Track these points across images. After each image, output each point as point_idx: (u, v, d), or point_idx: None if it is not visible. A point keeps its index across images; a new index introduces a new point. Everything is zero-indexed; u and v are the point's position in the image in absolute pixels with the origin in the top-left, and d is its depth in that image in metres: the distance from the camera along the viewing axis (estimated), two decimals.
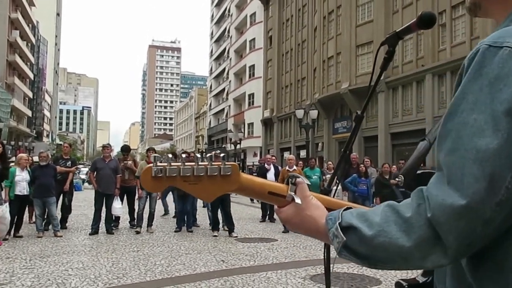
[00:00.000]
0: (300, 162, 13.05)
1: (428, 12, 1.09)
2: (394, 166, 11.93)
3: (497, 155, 0.69)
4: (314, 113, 21.65)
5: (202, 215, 11.31)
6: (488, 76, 0.73)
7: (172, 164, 0.94)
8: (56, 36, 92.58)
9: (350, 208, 0.88)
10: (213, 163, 0.95)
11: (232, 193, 1.04)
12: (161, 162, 0.96)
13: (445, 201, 0.71)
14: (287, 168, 9.88)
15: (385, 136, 25.79)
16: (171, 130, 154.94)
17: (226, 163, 0.96)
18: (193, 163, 0.95)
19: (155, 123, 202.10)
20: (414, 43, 24.25)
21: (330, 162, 13.27)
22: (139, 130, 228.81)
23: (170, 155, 1.04)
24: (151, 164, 0.94)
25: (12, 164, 9.27)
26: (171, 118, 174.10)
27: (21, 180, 8.86)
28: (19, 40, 57.30)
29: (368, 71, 27.28)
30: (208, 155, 0.97)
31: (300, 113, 22.55)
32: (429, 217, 0.73)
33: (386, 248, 0.76)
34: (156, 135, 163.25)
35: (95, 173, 9.54)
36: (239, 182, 0.96)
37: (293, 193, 0.94)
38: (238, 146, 37.84)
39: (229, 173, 0.95)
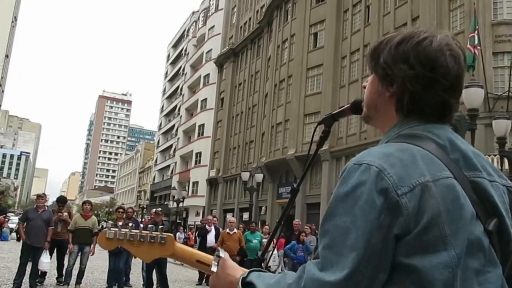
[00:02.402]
0: (241, 225, 12.95)
1: (359, 99, 1.20)
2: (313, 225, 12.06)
3: (355, 247, 0.87)
4: (259, 177, 21.87)
5: (136, 274, 10.81)
6: (351, 187, 0.92)
7: (122, 229, 1.18)
8: (1, 78, 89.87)
9: (262, 270, 1.05)
10: (152, 232, 1.18)
11: (169, 257, 1.25)
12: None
13: (315, 276, 0.89)
14: (227, 230, 9.78)
15: (327, 203, 26.05)
16: (113, 183, 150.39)
17: (163, 233, 1.19)
18: (137, 231, 1.18)
19: (96, 174, 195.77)
20: (358, 117, 25.34)
21: (266, 227, 13.28)
22: (79, 181, 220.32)
23: (111, 222, 1.26)
24: (106, 229, 1.19)
25: None
26: (114, 171, 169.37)
27: None
28: None
29: (315, 139, 28.13)
30: (149, 226, 1.23)
31: (245, 175, 22.71)
32: (302, 286, 0.89)
33: None
34: (97, 187, 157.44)
35: (25, 223, 9.01)
36: (173, 249, 1.19)
37: (215, 262, 1.12)
38: (181, 204, 37.14)
39: (164, 242, 1.18)
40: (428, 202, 0.90)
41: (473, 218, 0.93)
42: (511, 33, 17.72)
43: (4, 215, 10.46)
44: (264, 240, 11.02)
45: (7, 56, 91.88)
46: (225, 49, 47.08)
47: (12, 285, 8.52)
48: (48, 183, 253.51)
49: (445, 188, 0.92)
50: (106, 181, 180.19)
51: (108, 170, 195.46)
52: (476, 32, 16.28)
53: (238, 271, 1.07)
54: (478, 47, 16.51)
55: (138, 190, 78.78)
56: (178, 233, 21.75)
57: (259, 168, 28.97)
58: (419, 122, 1.03)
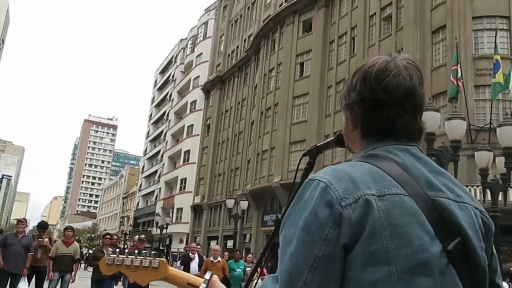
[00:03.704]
0: (226, 253, 12.80)
1: (342, 133, 1.24)
2: None
3: (294, 257, 0.92)
4: (244, 204, 21.77)
5: None
6: (302, 201, 0.98)
7: (119, 256, 1.29)
8: None
9: None
10: (147, 258, 1.27)
11: (163, 280, 1.33)
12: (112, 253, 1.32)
13: None
14: (211, 259, 9.66)
15: None
16: (95, 208, 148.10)
17: (156, 258, 1.29)
18: (133, 257, 1.28)
19: (79, 199, 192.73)
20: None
21: (250, 255, 13.12)
22: (61, 205, 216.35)
23: (110, 249, 1.43)
24: (106, 255, 1.30)
25: None
26: (97, 196, 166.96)
27: None
28: None
29: (300, 167, 28.24)
30: (143, 251, 1.42)
31: (230, 202, 22.58)
32: None
33: None
34: (79, 211, 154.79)
35: (3, 249, 8.79)
36: (165, 273, 1.29)
37: (204, 285, 1.20)
38: (164, 231, 36.68)
39: (157, 266, 1.27)
40: (371, 215, 0.92)
41: (426, 236, 0.93)
42: (491, 67, 18.23)
43: None
44: (248, 269, 10.90)
45: None
46: (212, 76, 47.50)
47: None
48: (29, 207, 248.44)
49: (391, 204, 0.94)
50: (89, 206, 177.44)
51: (91, 195, 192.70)
52: (458, 65, 16.72)
53: None
54: (461, 80, 16.93)
55: (121, 216, 77.64)
56: None
57: (244, 195, 28.87)
58: (381, 144, 1.07)
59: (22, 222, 9.32)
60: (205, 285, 1.19)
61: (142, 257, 1.27)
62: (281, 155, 29.68)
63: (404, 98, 1.05)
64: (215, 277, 1.21)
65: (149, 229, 54.69)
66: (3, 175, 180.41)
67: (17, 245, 8.74)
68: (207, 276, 1.21)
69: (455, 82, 16.15)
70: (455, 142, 9.22)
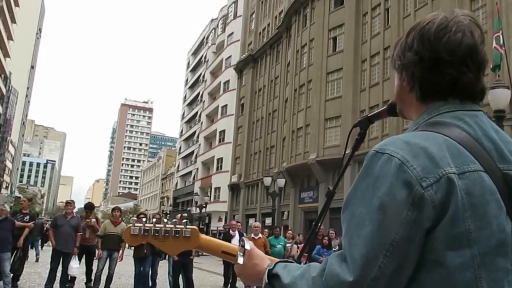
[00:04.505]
0: (266, 230, 13.01)
1: (395, 102, 1.19)
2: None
3: (370, 240, 0.86)
4: (281, 182, 21.89)
5: (162, 279, 10.96)
6: (372, 177, 0.91)
7: (146, 225, 1.20)
8: (27, 88, 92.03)
9: (288, 261, 1.06)
10: (177, 226, 1.20)
11: (195, 249, 1.22)
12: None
13: (335, 271, 0.89)
14: (252, 235, 9.84)
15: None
16: (136, 189, 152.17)
17: (187, 226, 1.21)
18: (161, 225, 1.20)
19: (120, 181, 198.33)
20: (380, 120, 25.28)
21: (290, 232, 13.26)
22: (103, 188, 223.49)
23: (154, 219, 1.27)
24: (130, 225, 1.20)
25: None
26: (137, 177, 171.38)
27: None
28: None
29: (335, 143, 28.09)
30: (173, 220, 1.24)
31: (267, 180, 22.75)
32: (323, 280, 0.89)
33: None
34: (120, 193, 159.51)
35: (55, 230, 9.25)
36: (198, 241, 1.21)
37: (241, 253, 1.12)
38: (203, 210, 37.39)
39: (189, 235, 1.20)
40: (454, 195, 0.87)
41: (503, 214, 0.89)
42: None
43: (34, 222, 10.73)
44: (288, 245, 11.07)
45: (32, 67, 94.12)
46: (244, 55, 47.36)
47: None
48: (73, 190, 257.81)
49: (471, 182, 0.89)
50: (129, 188, 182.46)
51: (131, 177, 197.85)
52: (500, 32, 16.03)
53: (265, 261, 1.08)
54: (503, 48, 16.25)
55: (161, 196, 79.57)
56: None
57: (281, 173, 28.99)
58: (447, 108, 1.01)
59: (70, 203, 9.74)
60: (241, 253, 1.13)
61: (172, 226, 1.19)
62: (316, 132, 29.50)
63: (467, 56, 1.00)
64: (253, 245, 1.15)
65: (188, 209, 55.86)
66: (47, 160, 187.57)
67: (67, 225, 9.17)
68: (246, 245, 1.14)
69: (499, 49, 15.51)
70: (498, 112, 8.93)
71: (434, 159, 0.89)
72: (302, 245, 12.94)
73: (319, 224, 1.45)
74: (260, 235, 9.92)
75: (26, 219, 9.80)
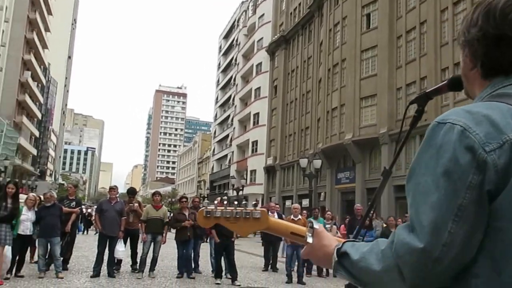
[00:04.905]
0: (304, 212, 13.05)
1: (458, 75, 1.19)
2: (400, 219, 11.89)
3: (438, 207, 0.88)
4: (317, 163, 21.79)
5: (204, 261, 11.22)
6: (435, 146, 0.92)
7: (217, 207, 1.26)
8: (66, 78, 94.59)
9: (356, 241, 1.08)
10: (247, 208, 1.25)
11: (264, 230, 1.27)
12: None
13: (405, 240, 0.90)
14: (291, 217, 9.90)
15: (388, 188, 25.75)
16: (173, 174, 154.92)
17: (257, 209, 1.27)
18: (232, 208, 1.26)
19: (157, 166, 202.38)
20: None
21: (329, 212, 13.22)
22: (142, 173, 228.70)
23: (225, 202, 1.33)
24: (203, 208, 1.28)
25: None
26: (173, 162, 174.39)
27: (26, 219, 8.88)
28: (30, 81, 58.54)
29: (371, 123, 27.68)
30: (243, 202, 1.34)
31: (304, 162, 22.71)
32: (393, 251, 0.92)
33: (366, 271, 0.97)
34: (158, 178, 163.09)
35: (100, 214, 9.59)
36: (267, 223, 1.25)
37: (310, 234, 1.16)
38: (240, 193, 37.78)
39: (258, 216, 1.24)
40: None
41: None
42: None
43: (80, 207, 11.15)
44: (328, 226, 11.08)
45: (69, 57, 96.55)
46: (276, 36, 46.97)
47: (92, 273, 9.13)
48: (113, 176, 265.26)
49: None
50: (167, 173, 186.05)
51: (168, 162, 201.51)
52: None
53: (334, 242, 1.11)
54: None
55: (198, 180, 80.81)
56: None
57: (317, 154, 28.87)
58: (510, 82, 1.00)
59: (113, 189, 10.05)
60: (310, 235, 1.16)
61: (242, 208, 1.24)
62: (352, 111, 29.11)
63: None
64: (322, 227, 1.18)
65: (225, 192, 56.55)
66: (87, 148, 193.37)
67: (111, 210, 9.49)
68: (315, 225, 1.17)
69: None
70: None
71: (497, 125, 0.90)
72: (340, 226, 12.89)
73: (375, 205, 1.45)
74: (299, 216, 9.97)
75: (73, 205, 10.19)
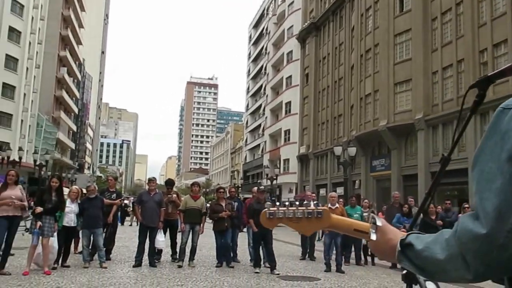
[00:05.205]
0: (341, 200, 12.93)
1: None
2: (440, 207, 11.63)
3: (502, 192, 0.86)
4: (352, 151, 21.53)
5: (241, 250, 11.32)
6: (500, 132, 0.91)
7: (280, 208, 1.27)
8: (100, 73, 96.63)
9: (420, 233, 1.08)
10: (308, 208, 1.25)
11: (327, 228, 1.26)
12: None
13: (468, 227, 0.90)
14: (329, 205, 9.84)
15: (425, 175, 25.27)
16: (206, 164, 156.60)
17: (319, 208, 1.27)
18: (294, 208, 1.26)
19: (191, 157, 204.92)
20: (454, 81, 24.04)
21: (366, 200, 13.06)
22: (176, 164, 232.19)
23: (287, 202, 1.35)
24: (266, 209, 1.29)
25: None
26: (207, 153, 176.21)
27: (70, 211, 9.16)
28: (66, 77, 60.15)
29: (407, 108, 27.11)
30: (305, 202, 1.33)
31: (338, 150, 22.50)
32: (457, 239, 0.92)
33: (429, 260, 0.97)
34: (192, 169, 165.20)
35: (140, 206, 9.79)
36: (330, 221, 1.25)
37: (373, 230, 1.17)
38: (274, 182, 37.82)
39: (320, 216, 1.25)
40: None
41: None
42: None
43: (120, 199, 11.41)
44: (365, 214, 10.97)
45: (103, 52, 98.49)
46: (306, 23, 46.46)
47: (134, 262, 9.36)
48: (148, 167, 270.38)
49: None
50: (200, 163, 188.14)
51: (201, 153, 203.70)
52: None
53: (399, 235, 1.12)
54: None
55: (231, 170, 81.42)
56: None
57: (351, 142, 28.55)
58: None
59: (152, 181, 10.23)
60: (374, 230, 1.17)
61: (304, 208, 1.25)
62: (386, 97, 28.57)
63: None
64: (385, 222, 1.19)
65: (258, 181, 56.74)
66: (123, 140, 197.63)
67: (151, 201, 9.68)
68: (378, 222, 1.17)
69: None
70: None
71: None
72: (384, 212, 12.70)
73: (432, 192, 1.40)
74: (337, 204, 9.90)
75: (113, 197, 10.44)
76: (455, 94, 23.84)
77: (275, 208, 1.26)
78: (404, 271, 1.57)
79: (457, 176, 19.00)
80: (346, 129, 35.94)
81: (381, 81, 29.24)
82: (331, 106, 40.28)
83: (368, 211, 11.33)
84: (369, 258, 11.44)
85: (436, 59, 25.56)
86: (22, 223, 11.67)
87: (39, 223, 8.07)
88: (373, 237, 1.16)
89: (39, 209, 8.07)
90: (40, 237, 8.10)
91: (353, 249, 11.32)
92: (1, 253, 7.92)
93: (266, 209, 1.28)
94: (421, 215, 10.28)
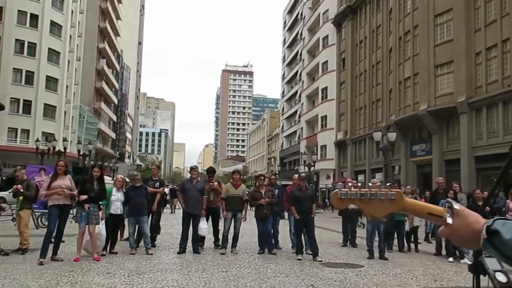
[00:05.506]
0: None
1: None
2: (486, 192, 11.28)
3: None
4: (392, 136, 21.14)
5: (282, 237, 11.38)
6: None
7: (352, 189, 1.24)
8: (137, 63, 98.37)
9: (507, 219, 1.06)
10: (381, 190, 1.21)
11: (400, 211, 1.23)
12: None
13: None
14: None
15: (468, 159, 24.55)
16: (243, 152, 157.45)
17: (392, 189, 1.21)
18: (367, 189, 1.23)
19: (228, 145, 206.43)
20: (499, 62, 23.10)
21: (408, 186, 12.80)
22: (213, 152, 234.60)
23: (350, 184, 1.31)
24: (337, 190, 1.26)
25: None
26: (243, 140, 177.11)
27: (116, 200, 9.45)
28: (105, 68, 61.58)
29: (448, 91, 26.32)
30: (378, 183, 1.26)
31: (377, 135, 22.14)
32: None
33: None
34: (229, 156, 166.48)
35: (183, 194, 9.98)
36: (403, 204, 1.21)
37: (448, 214, 1.13)
38: (311, 169, 37.68)
39: (394, 198, 1.21)
40: None
41: None
42: None
43: (163, 187, 11.65)
44: None
45: (139, 43, 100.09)
46: (342, 7, 45.62)
47: (178, 249, 9.58)
48: (186, 156, 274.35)
49: None
50: (237, 151, 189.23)
51: (237, 140, 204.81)
52: None
53: (480, 220, 1.10)
54: None
55: (268, 157, 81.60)
56: None
57: (390, 127, 28.00)
58: None
59: (194, 169, 10.39)
60: (449, 215, 1.14)
61: (377, 189, 1.22)
62: (426, 80, 27.80)
63: None
64: (462, 206, 1.16)
65: (296, 168, 56.65)
66: (161, 129, 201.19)
67: (193, 189, 9.84)
68: (455, 205, 1.14)
69: None
70: None
71: None
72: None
73: (500, 181, 1.38)
74: None
75: (157, 185, 10.67)
76: (500, 75, 22.94)
77: (347, 189, 1.24)
78: (470, 262, 1.54)
79: (502, 160, 18.34)
80: (385, 114, 35.28)
81: (421, 63, 28.46)
82: (368, 91, 39.60)
83: (411, 197, 11.12)
84: (412, 245, 11.27)
85: (480, 39, 24.61)
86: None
87: (86, 205, 8.35)
88: (449, 220, 1.13)
89: (84, 197, 8.34)
90: (87, 225, 8.40)
91: (395, 235, 11.17)
92: (53, 240, 8.27)
93: (338, 189, 1.27)
94: (470, 200, 10.03)
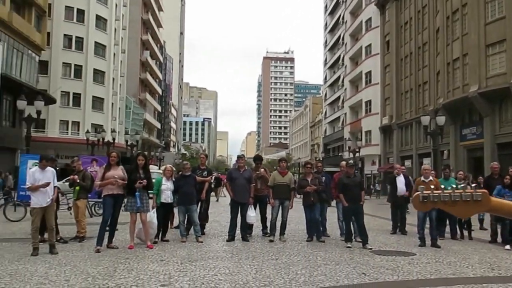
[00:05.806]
0: (432, 172, 12.41)
1: None
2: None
3: None
4: (441, 119, 20.49)
5: (331, 225, 11.31)
6: None
7: (435, 192, 1.25)
8: (180, 54, 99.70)
9: None
10: (466, 191, 1.22)
11: (487, 212, 1.19)
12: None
13: None
14: (422, 178, 9.48)
15: (491, 145, 23.51)
16: (286, 139, 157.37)
17: (477, 190, 1.23)
18: (450, 191, 1.23)
19: (270, 132, 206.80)
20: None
21: (461, 172, 12.35)
22: (255, 140, 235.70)
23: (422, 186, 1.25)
24: (419, 192, 1.28)
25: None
26: (285, 127, 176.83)
27: (166, 189, 9.65)
28: (149, 59, 62.81)
29: (500, 71, 25.18)
30: (462, 185, 1.29)
31: (425, 119, 21.54)
32: None
33: None
34: (272, 144, 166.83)
35: (230, 182, 10.07)
36: (489, 205, 1.22)
37: None
38: (356, 155, 37.17)
39: (480, 199, 1.22)
40: None
41: None
42: None
43: (211, 176, 11.79)
44: (460, 187, 10.43)
45: (181, 33, 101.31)
46: None
47: (227, 237, 9.71)
48: (229, 144, 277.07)
49: None
50: (279, 138, 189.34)
51: (280, 127, 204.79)
52: None
53: None
54: None
55: (311, 144, 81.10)
56: None
57: (439, 111, 27.12)
58: None
59: (241, 158, 10.46)
60: None
61: (461, 191, 1.22)
62: (477, 61, 26.68)
63: None
64: None
65: (340, 154, 56.08)
66: (204, 118, 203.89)
67: (241, 178, 9.91)
68: None
69: None
70: None
71: None
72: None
73: None
74: (430, 177, 9.48)
75: (205, 174, 10.81)
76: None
77: (429, 191, 1.23)
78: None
79: None
80: (432, 97, 34.22)
81: (470, 43, 27.32)
82: (414, 74, 38.47)
83: (464, 183, 10.74)
84: (465, 232, 10.93)
85: None
86: None
87: (143, 182, 8.51)
88: None
89: (140, 184, 8.50)
90: (138, 213, 8.62)
91: (447, 222, 10.86)
92: (108, 228, 8.57)
93: (419, 192, 1.23)
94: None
